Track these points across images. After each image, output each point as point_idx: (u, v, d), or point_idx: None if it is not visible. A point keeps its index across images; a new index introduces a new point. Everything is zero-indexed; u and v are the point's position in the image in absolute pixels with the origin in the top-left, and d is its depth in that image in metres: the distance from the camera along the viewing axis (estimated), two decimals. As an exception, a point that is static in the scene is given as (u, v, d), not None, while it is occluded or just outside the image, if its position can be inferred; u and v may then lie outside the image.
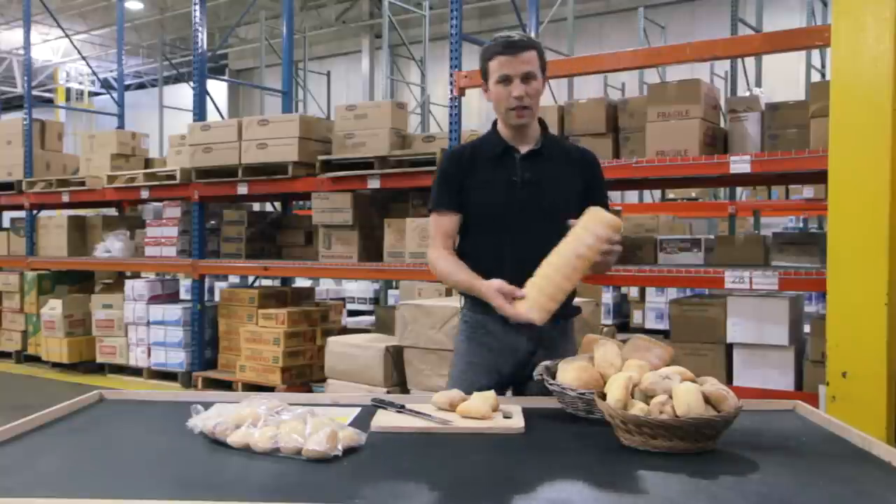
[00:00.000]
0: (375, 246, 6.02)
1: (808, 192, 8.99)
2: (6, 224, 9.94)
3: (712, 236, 6.73)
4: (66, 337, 7.69)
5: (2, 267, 8.90)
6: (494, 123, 2.40)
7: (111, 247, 7.84)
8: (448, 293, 5.65)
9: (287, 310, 6.40)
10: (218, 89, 16.86)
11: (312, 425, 1.58)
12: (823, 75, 10.72)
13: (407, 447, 1.66)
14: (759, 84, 10.20)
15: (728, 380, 4.86)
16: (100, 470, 1.52)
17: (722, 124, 5.60)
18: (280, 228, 7.41)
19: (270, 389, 5.79)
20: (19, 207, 8.66)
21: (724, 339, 4.91)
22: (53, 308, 7.78)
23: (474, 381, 2.25)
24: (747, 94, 8.60)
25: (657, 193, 12.01)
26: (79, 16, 18.53)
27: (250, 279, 8.30)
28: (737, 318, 4.85)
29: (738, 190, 10.70)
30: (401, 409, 1.90)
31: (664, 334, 7.79)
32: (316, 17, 18.42)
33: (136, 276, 8.20)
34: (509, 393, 2.38)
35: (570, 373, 1.91)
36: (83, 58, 12.18)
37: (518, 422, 1.82)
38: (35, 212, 8.56)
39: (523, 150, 2.33)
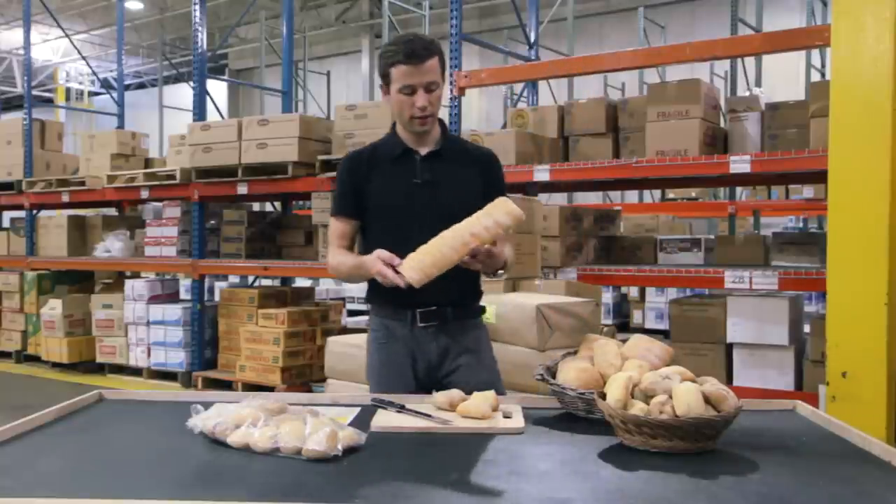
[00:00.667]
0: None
1: (808, 192, 8.99)
2: (6, 224, 9.94)
3: (712, 236, 6.73)
4: (65, 337, 7.69)
5: (2, 267, 8.90)
6: (394, 125, 2.38)
7: (111, 247, 7.84)
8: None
9: (287, 310, 6.40)
10: (218, 89, 16.86)
11: (312, 425, 1.58)
12: (823, 75, 10.72)
13: (407, 447, 1.66)
14: (759, 84, 10.20)
15: (728, 380, 4.87)
16: (100, 470, 1.52)
17: (722, 124, 5.61)
18: (280, 228, 7.41)
19: (270, 389, 5.79)
20: (19, 207, 8.66)
21: (724, 339, 4.91)
22: (53, 308, 7.78)
23: (390, 389, 2.22)
24: (747, 94, 8.60)
25: (657, 193, 12.02)
26: (79, 16, 18.53)
27: (250, 279, 8.30)
28: (737, 318, 4.85)
29: (738, 190, 10.71)
30: (401, 409, 1.90)
31: (664, 334, 7.80)
32: (316, 17, 18.42)
33: (136, 276, 8.20)
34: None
35: (570, 373, 1.91)
36: (83, 58, 12.18)
37: (518, 422, 1.82)
38: (35, 212, 8.56)
39: (423, 151, 2.32)
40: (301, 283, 8.80)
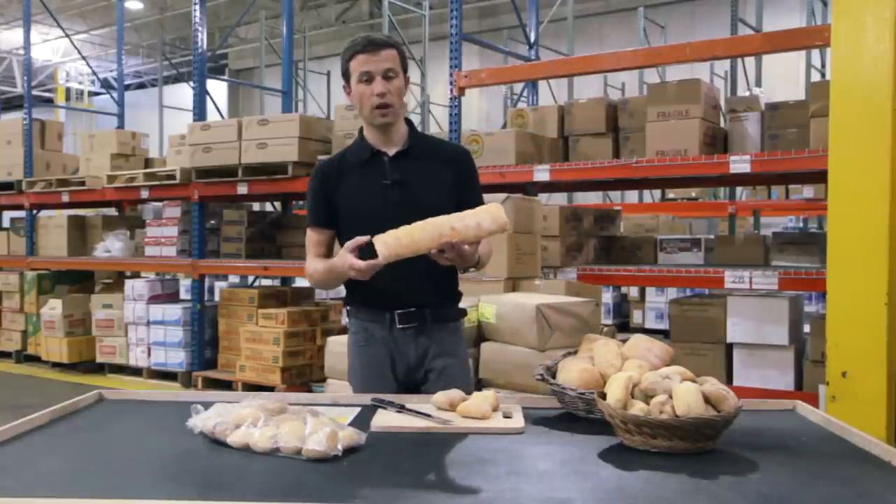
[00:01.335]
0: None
1: (808, 192, 8.99)
2: (6, 224, 9.94)
3: (712, 236, 6.73)
4: (66, 337, 7.69)
5: (2, 267, 8.91)
6: (361, 130, 2.38)
7: (111, 247, 7.84)
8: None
9: (287, 310, 6.40)
10: (218, 89, 16.86)
11: (312, 425, 1.58)
12: (823, 75, 10.72)
13: (407, 447, 1.66)
14: (759, 84, 10.20)
15: (728, 380, 4.87)
16: (100, 470, 1.52)
17: (722, 124, 5.61)
18: (280, 228, 7.41)
19: (270, 389, 5.79)
20: (19, 207, 8.67)
21: (724, 338, 4.91)
22: (53, 308, 7.78)
23: (372, 391, 2.21)
24: (747, 94, 8.61)
25: (657, 193, 12.02)
26: (79, 16, 18.53)
27: (250, 279, 8.30)
28: (737, 318, 4.85)
29: (738, 190, 10.71)
30: (401, 408, 1.90)
31: (664, 334, 7.80)
32: (316, 17, 18.41)
33: (136, 275, 8.20)
34: None
35: (570, 373, 1.91)
36: (83, 58, 12.18)
37: (518, 422, 1.82)
38: (35, 212, 8.56)
39: (391, 152, 2.32)
40: (301, 283, 8.78)
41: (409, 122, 2.38)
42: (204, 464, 1.55)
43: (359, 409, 1.95)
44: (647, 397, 1.66)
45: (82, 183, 7.84)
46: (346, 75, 2.29)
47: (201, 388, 6.64)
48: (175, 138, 7.72)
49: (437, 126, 13.30)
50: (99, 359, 7.64)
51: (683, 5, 14.90)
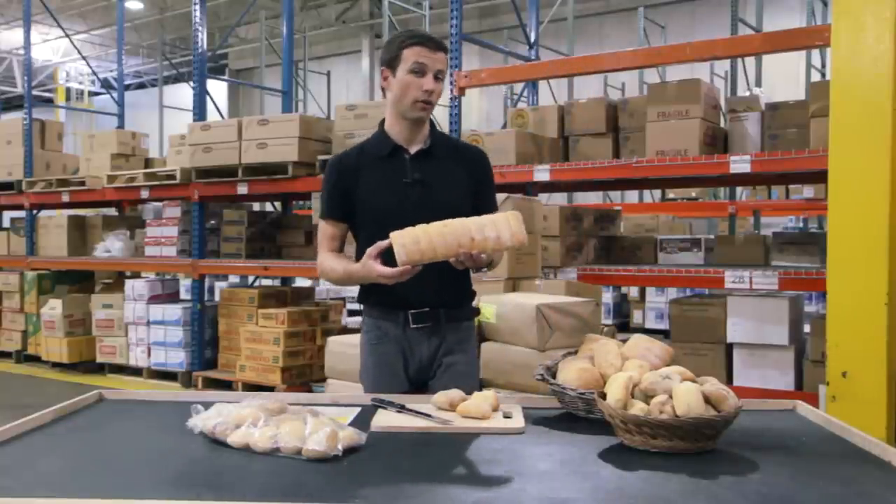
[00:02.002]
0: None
1: (808, 192, 9.00)
2: (6, 224, 9.94)
3: (712, 236, 6.73)
4: (66, 337, 7.69)
5: (2, 267, 8.90)
6: (382, 123, 2.37)
7: (111, 247, 7.84)
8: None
9: (287, 310, 6.40)
10: (218, 89, 16.87)
11: (312, 425, 1.58)
12: (823, 75, 10.72)
13: (407, 447, 1.66)
14: (759, 84, 10.21)
15: (728, 380, 4.87)
16: (100, 470, 1.52)
17: (722, 124, 5.61)
18: (280, 228, 7.41)
19: (270, 389, 5.79)
20: (19, 207, 8.66)
21: (724, 338, 4.91)
22: (53, 308, 7.78)
23: (382, 390, 2.22)
24: (747, 94, 8.61)
25: (657, 193, 12.02)
26: (79, 16, 18.53)
27: (250, 279, 8.30)
28: (737, 318, 4.85)
29: (738, 190, 10.71)
30: (401, 409, 1.90)
31: (664, 334, 7.80)
32: (316, 17, 18.42)
33: (136, 275, 8.20)
34: None
35: (570, 373, 1.91)
36: (83, 58, 12.18)
37: (518, 422, 1.82)
38: (35, 212, 8.56)
39: (413, 149, 2.31)
40: (301, 283, 8.80)
41: (430, 121, 2.38)
42: (204, 464, 1.55)
43: (359, 409, 1.95)
44: (648, 397, 1.66)
45: (82, 183, 7.84)
46: (392, 61, 2.24)
47: (201, 388, 6.64)
48: (175, 138, 7.72)
49: (438, 126, 13.28)
50: (99, 359, 7.64)
51: (683, 5, 14.90)
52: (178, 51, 20.72)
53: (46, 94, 22.06)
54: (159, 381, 7.23)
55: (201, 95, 7.06)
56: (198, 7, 6.99)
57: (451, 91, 5.38)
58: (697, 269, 4.96)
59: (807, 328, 5.08)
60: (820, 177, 3.83)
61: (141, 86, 22.84)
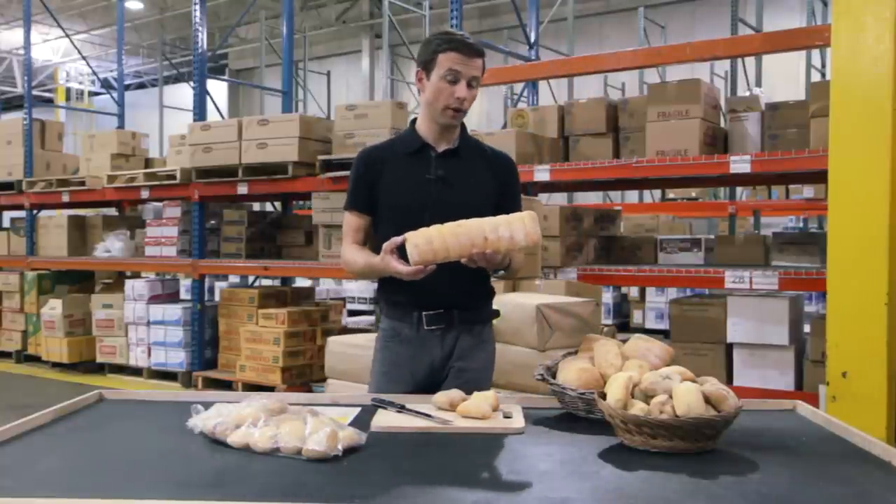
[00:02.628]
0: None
1: (808, 192, 9.00)
2: (6, 224, 9.95)
3: (712, 236, 6.73)
4: (66, 337, 7.69)
5: (2, 267, 8.90)
6: (413, 121, 2.37)
7: (111, 247, 7.84)
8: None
9: (287, 310, 6.40)
10: (218, 89, 16.87)
11: (312, 425, 1.58)
12: (823, 75, 10.72)
13: (407, 447, 1.66)
14: (759, 84, 10.21)
15: (728, 380, 4.87)
16: (100, 470, 1.52)
17: (722, 124, 5.61)
18: (280, 228, 7.41)
19: (270, 389, 5.79)
20: (19, 207, 8.67)
21: (724, 339, 4.91)
22: (53, 308, 7.78)
23: (389, 389, 2.23)
24: (747, 94, 8.61)
25: (657, 193, 12.02)
26: (79, 16, 18.53)
27: (250, 279, 8.31)
28: (737, 318, 4.85)
29: (738, 190, 10.71)
30: (401, 409, 1.90)
31: (664, 334, 7.81)
32: (316, 17, 18.42)
33: (136, 275, 8.20)
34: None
35: (570, 373, 1.91)
36: (83, 58, 12.19)
37: (518, 422, 1.82)
38: (35, 212, 8.56)
39: (440, 148, 2.32)
40: (301, 283, 8.80)
41: (461, 123, 2.37)
42: (204, 464, 1.55)
43: (359, 409, 1.95)
44: (648, 397, 1.66)
45: (82, 183, 7.84)
46: (428, 64, 2.23)
47: (201, 388, 6.64)
48: (175, 138, 7.72)
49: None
50: (99, 359, 7.64)
51: (683, 5, 14.90)
52: (178, 51, 20.72)
53: (46, 94, 22.06)
54: (159, 381, 7.23)
55: (201, 95, 7.06)
56: (198, 7, 6.99)
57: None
58: (697, 269, 4.96)
59: (807, 328, 5.08)
60: (820, 177, 3.83)
61: (141, 86, 22.84)
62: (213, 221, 7.28)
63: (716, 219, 11.72)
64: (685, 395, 1.59)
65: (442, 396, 1.92)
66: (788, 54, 8.59)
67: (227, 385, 6.54)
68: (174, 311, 7.10)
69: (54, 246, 8.19)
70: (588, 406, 1.83)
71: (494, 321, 2.47)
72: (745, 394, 1.90)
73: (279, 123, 6.32)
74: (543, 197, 8.01)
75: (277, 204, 8.52)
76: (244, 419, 1.64)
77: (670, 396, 1.62)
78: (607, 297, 9.98)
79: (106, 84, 17.43)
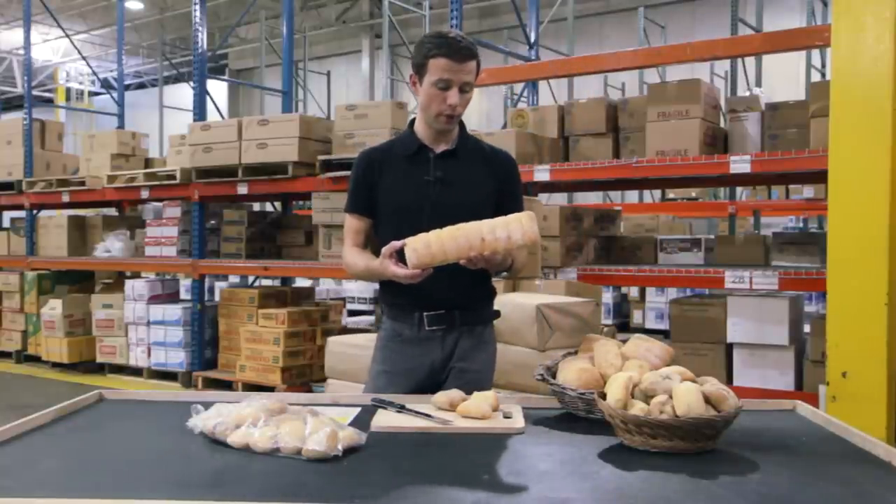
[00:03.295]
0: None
1: (808, 192, 9.00)
2: (6, 224, 9.94)
3: (712, 236, 6.73)
4: (66, 337, 7.69)
5: (2, 267, 8.90)
6: (412, 123, 2.37)
7: (111, 247, 7.84)
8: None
9: (287, 310, 6.40)
10: (218, 89, 16.87)
11: (312, 425, 1.58)
12: (823, 75, 10.73)
13: (407, 447, 1.66)
14: (759, 84, 10.21)
15: (728, 380, 4.87)
16: (100, 470, 1.52)
17: (722, 124, 5.61)
18: (280, 228, 7.41)
19: (270, 389, 5.79)
20: (19, 207, 8.67)
21: (724, 339, 4.91)
22: (53, 308, 7.78)
23: (388, 389, 2.22)
24: (747, 94, 8.61)
25: (657, 193, 12.02)
26: (79, 16, 18.53)
27: (250, 279, 8.31)
28: (737, 318, 4.85)
29: (738, 190, 10.71)
30: (401, 409, 1.90)
31: (664, 334, 7.81)
32: (316, 17, 18.42)
33: (136, 276, 8.19)
34: None
35: (570, 373, 1.91)
36: (83, 58, 12.18)
37: (518, 422, 1.82)
38: (35, 212, 8.56)
39: (438, 149, 2.31)
40: (301, 283, 8.80)
41: (460, 123, 2.36)
42: (204, 464, 1.55)
43: (359, 409, 1.95)
44: (647, 397, 1.66)
45: (82, 183, 7.84)
46: (420, 68, 2.22)
47: (201, 388, 6.64)
48: (175, 138, 7.72)
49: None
50: (99, 359, 7.64)
51: (683, 5, 14.91)
52: (178, 51, 20.72)
53: (46, 94, 22.06)
54: (159, 381, 7.23)
55: (201, 95, 7.06)
56: (198, 7, 6.99)
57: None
58: (697, 269, 4.96)
59: (807, 328, 5.08)
60: (820, 177, 3.83)
61: (141, 86, 22.85)
62: (213, 221, 7.28)
63: (716, 219, 11.72)
64: (685, 395, 1.59)
65: (442, 396, 1.92)
66: (788, 54, 8.59)
67: (227, 385, 6.54)
68: (174, 311, 7.10)
69: (54, 246, 8.19)
70: (588, 406, 1.83)
71: (494, 321, 2.47)
72: (745, 394, 1.90)
73: (279, 123, 6.32)
74: (543, 197, 8.01)
75: (277, 204, 8.52)
76: (244, 419, 1.64)
77: (670, 396, 1.62)
78: (607, 297, 9.98)
79: (106, 84, 17.44)
